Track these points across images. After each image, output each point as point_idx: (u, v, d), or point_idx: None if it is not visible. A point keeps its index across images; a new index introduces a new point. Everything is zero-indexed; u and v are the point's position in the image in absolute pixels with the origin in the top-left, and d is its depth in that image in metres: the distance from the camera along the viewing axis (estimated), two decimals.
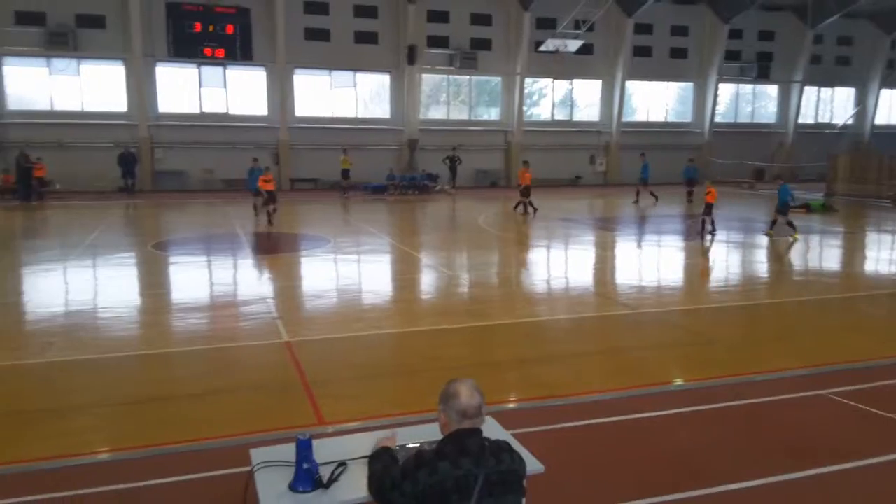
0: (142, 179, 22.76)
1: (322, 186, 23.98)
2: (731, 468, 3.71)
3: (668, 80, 28.98)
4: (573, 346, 6.60)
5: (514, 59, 25.67)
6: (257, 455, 2.62)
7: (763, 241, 13.33)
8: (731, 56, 29.10)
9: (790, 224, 13.33)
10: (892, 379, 5.34)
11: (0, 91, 22.09)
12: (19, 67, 22.60)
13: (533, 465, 2.46)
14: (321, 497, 2.34)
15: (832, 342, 6.52)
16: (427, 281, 9.95)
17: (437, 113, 26.00)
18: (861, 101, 32.58)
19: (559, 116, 27.59)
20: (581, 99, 27.69)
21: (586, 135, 27.54)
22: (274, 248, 12.97)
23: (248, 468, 2.56)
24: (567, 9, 24.42)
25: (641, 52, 27.73)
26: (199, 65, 23.51)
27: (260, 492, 2.38)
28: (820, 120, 32.50)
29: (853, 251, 13.26)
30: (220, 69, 23.80)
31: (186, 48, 22.55)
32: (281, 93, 23.63)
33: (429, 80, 25.48)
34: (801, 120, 31.01)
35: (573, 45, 24.92)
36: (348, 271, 10.71)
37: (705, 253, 12.48)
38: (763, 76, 29.70)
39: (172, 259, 11.33)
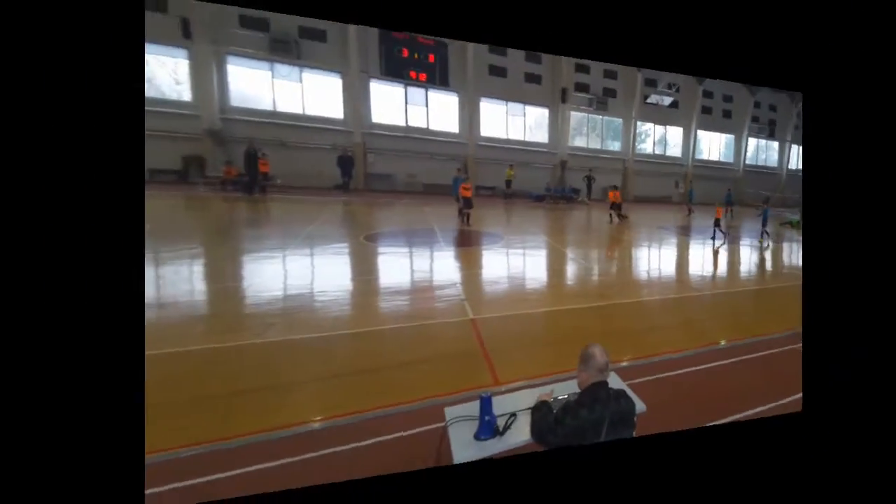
0: (356, 180, 25.44)
1: (498, 194, 28.42)
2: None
3: (718, 132, 37.98)
4: (663, 319, 8.15)
5: (631, 106, 32.89)
6: (450, 412, 3.01)
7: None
8: None
9: (767, 234, 18.57)
10: None
11: (224, 87, 23.59)
12: (243, 68, 24.18)
13: (640, 406, 3.04)
14: (497, 443, 2.75)
15: None
16: (570, 270, 11.51)
17: (579, 142, 31.96)
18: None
19: (658, 151, 35.29)
20: (671, 139, 35.75)
21: (672, 166, 35.24)
22: (461, 243, 13.92)
23: (442, 424, 2.96)
24: (665, 74, 32.25)
25: (707, 109, 36.43)
26: (406, 85, 26.97)
27: (452, 441, 2.77)
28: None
29: None
30: (422, 91, 27.44)
31: (395, 69, 26.08)
32: (469, 116, 28.10)
33: (575, 116, 31.63)
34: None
35: (667, 100, 33.00)
36: (515, 262, 11.93)
37: (735, 253, 15.79)
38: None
39: (380, 249, 11.95)
